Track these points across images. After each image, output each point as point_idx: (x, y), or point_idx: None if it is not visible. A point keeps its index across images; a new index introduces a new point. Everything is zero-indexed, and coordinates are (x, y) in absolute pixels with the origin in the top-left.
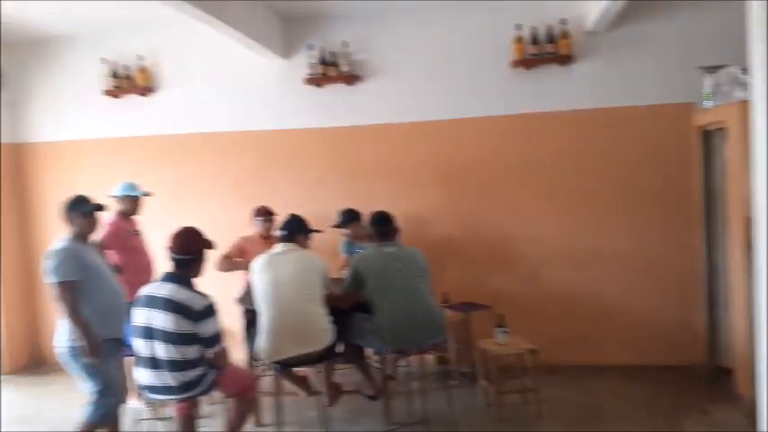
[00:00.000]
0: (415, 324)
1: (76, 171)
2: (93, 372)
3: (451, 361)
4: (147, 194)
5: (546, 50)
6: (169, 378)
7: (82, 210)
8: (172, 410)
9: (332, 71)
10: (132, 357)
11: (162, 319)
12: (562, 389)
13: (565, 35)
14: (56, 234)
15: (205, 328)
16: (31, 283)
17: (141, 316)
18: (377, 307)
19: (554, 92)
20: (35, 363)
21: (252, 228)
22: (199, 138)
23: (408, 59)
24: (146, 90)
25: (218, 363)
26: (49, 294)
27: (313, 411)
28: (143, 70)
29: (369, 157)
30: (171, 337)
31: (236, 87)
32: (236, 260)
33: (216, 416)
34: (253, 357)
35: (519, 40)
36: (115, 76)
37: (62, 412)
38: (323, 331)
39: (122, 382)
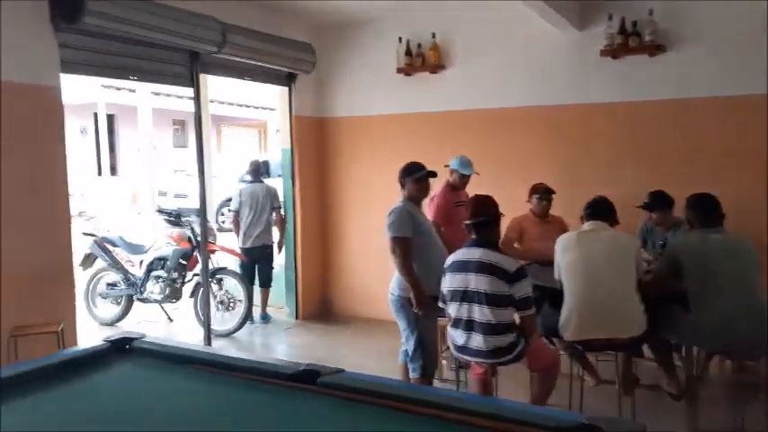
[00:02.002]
0: (740, 322)
1: (369, 144)
2: (414, 324)
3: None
4: (476, 173)
5: None
6: (482, 341)
7: (415, 175)
8: (471, 374)
9: (633, 41)
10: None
11: (479, 281)
12: None
13: None
14: (348, 197)
15: (518, 290)
16: (324, 240)
17: (457, 280)
18: (697, 300)
19: None
20: (324, 312)
21: (527, 206)
22: (484, 113)
23: (720, 30)
24: (436, 67)
25: (528, 326)
26: (338, 250)
27: (600, 400)
28: (434, 48)
29: (672, 136)
30: (488, 299)
31: (525, 61)
32: (516, 247)
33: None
34: (546, 335)
35: None
36: (409, 54)
37: (355, 359)
38: (636, 317)
39: (435, 340)
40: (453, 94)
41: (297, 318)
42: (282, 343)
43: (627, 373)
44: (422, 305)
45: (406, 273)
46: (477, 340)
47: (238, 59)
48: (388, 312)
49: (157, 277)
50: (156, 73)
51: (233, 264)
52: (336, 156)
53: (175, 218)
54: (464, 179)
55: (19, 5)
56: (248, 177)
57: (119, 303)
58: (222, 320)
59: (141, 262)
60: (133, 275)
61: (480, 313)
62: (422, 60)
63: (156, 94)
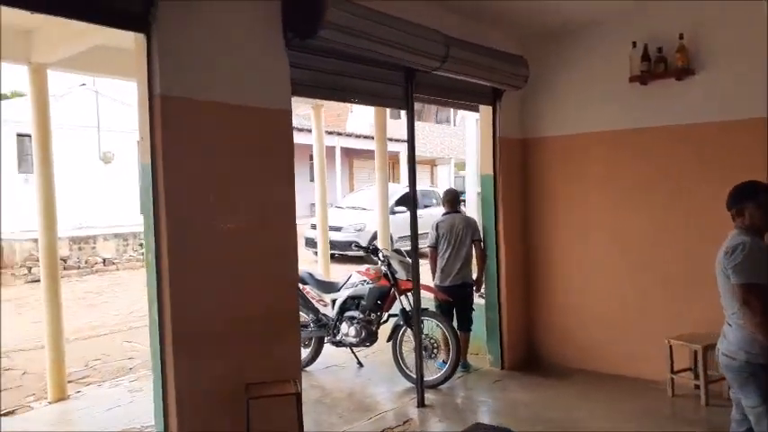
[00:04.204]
0: None
1: (586, 165)
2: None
3: None
4: None
5: None
6: None
7: (761, 198)
8: None
9: None
10: None
11: None
12: None
13: None
14: (559, 228)
15: None
16: (530, 277)
17: None
18: None
19: None
20: (531, 361)
21: None
22: (741, 125)
23: None
24: (682, 73)
25: None
26: (546, 288)
27: None
28: (681, 50)
29: None
30: None
31: None
32: None
33: None
34: None
35: None
36: (647, 59)
37: (599, 423)
38: None
39: None
40: (707, 103)
41: (502, 367)
42: (499, 399)
43: None
44: None
45: (766, 332)
46: None
47: (453, 76)
48: (613, 365)
49: (352, 318)
50: (374, 95)
51: (427, 304)
52: (543, 180)
53: (372, 253)
54: None
55: (254, 22)
56: (445, 208)
57: (307, 346)
58: (425, 369)
59: (334, 301)
60: (325, 315)
61: None
62: (664, 66)
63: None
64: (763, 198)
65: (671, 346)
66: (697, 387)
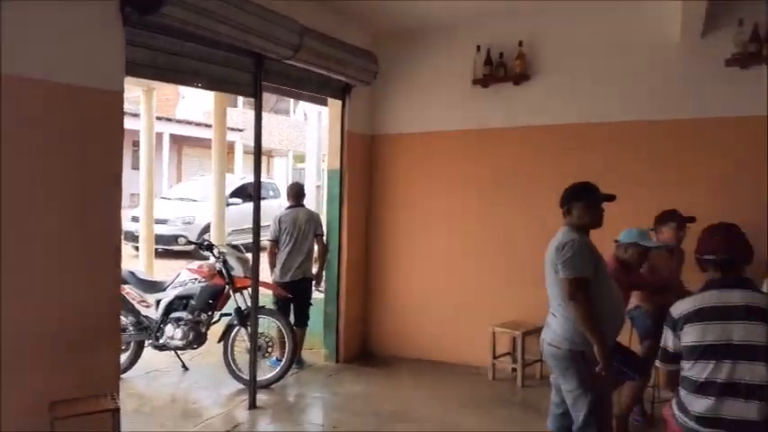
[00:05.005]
0: None
1: (429, 163)
2: (587, 385)
3: None
4: (659, 247)
5: None
6: (754, 411)
7: (589, 200)
8: None
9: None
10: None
11: (751, 332)
12: None
13: None
14: (401, 223)
15: None
16: (369, 271)
17: (711, 332)
18: None
19: None
20: (365, 353)
21: (656, 236)
22: (573, 128)
23: None
24: (520, 78)
25: None
26: (384, 282)
27: None
28: (520, 56)
29: None
30: (762, 354)
31: (627, 71)
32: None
33: None
34: None
35: None
36: (489, 63)
37: (435, 412)
38: None
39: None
40: (539, 107)
41: (337, 361)
42: (334, 394)
43: None
44: (607, 363)
45: (588, 323)
46: (744, 408)
47: (304, 67)
48: (443, 353)
49: (178, 320)
50: (219, 80)
51: (264, 301)
52: (389, 177)
53: (207, 248)
54: (642, 256)
55: None
56: (289, 202)
57: (125, 350)
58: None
59: (158, 302)
60: (147, 318)
61: (752, 373)
62: (504, 70)
63: None
64: (591, 199)
65: (494, 333)
66: (514, 370)
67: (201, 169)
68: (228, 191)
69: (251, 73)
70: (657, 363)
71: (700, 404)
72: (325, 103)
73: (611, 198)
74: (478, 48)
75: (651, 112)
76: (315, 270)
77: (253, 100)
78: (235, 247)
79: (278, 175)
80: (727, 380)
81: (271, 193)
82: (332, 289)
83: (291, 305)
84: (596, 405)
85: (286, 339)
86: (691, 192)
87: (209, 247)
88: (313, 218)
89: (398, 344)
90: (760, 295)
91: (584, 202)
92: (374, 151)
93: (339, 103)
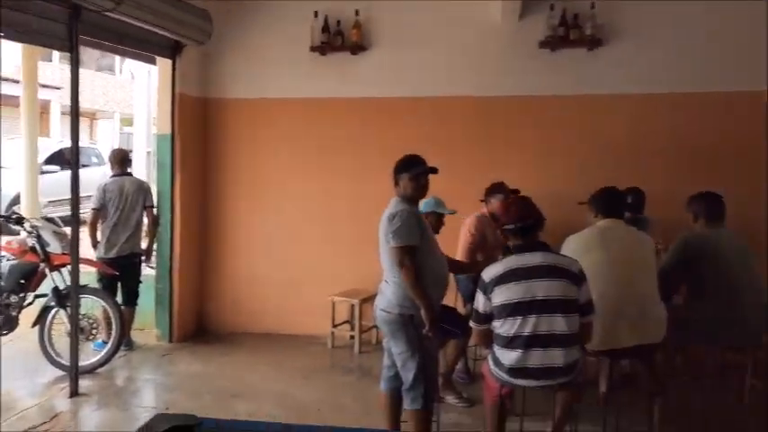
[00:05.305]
0: (751, 316)
1: (269, 131)
2: (415, 347)
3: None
4: (453, 213)
5: None
6: (558, 356)
7: (413, 171)
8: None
9: (574, 34)
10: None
11: (550, 288)
12: None
13: None
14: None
15: (584, 293)
16: (205, 245)
17: (517, 290)
18: (711, 296)
19: None
20: (202, 330)
21: (482, 207)
22: (410, 102)
23: (656, 26)
24: (357, 48)
25: (587, 334)
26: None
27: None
28: (357, 26)
29: (607, 130)
30: (560, 307)
31: (457, 48)
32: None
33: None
34: None
35: None
36: (326, 31)
37: (274, 386)
38: (664, 320)
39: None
40: (376, 79)
41: (171, 341)
42: (168, 375)
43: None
44: (434, 326)
45: (417, 288)
46: (552, 355)
47: (127, 21)
48: (283, 325)
49: None
50: (27, 31)
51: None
52: (227, 144)
53: (16, 222)
54: (439, 221)
55: None
56: (113, 170)
57: None
58: (80, 353)
59: None
60: None
61: (551, 324)
62: (341, 39)
63: None
64: (417, 171)
65: (333, 303)
66: (352, 338)
67: (10, 132)
68: (43, 157)
69: (65, 24)
70: (471, 323)
71: (510, 357)
72: (154, 62)
73: (434, 170)
74: (316, 14)
75: (476, 88)
76: (144, 245)
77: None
78: (50, 220)
79: (103, 140)
80: (532, 332)
81: (94, 159)
82: (164, 265)
83: (119, 283)
84: (424, 365)
85: (112, 320)
86: (513, 165)
87: (19, 221)
88: (142, 188)
89: (238, 320)
90: (556, 256)
91: (410, 174)
92: (210, 116)
93: (169, 62)
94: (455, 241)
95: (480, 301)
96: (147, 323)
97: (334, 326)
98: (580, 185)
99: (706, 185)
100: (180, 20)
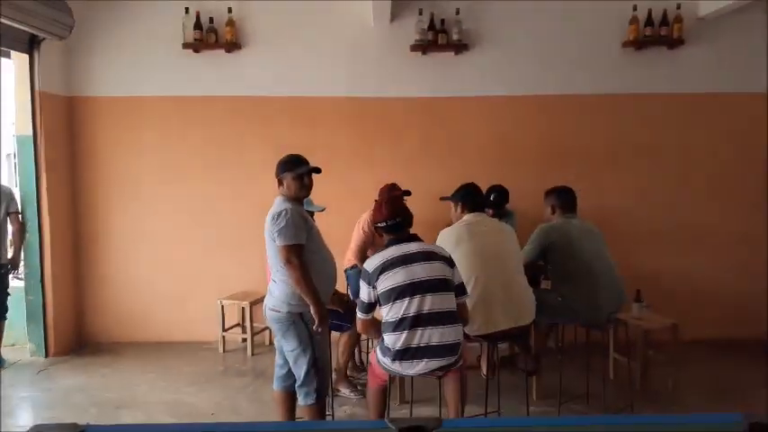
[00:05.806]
0: (607, 296)
1: (141, 131)
2: (307, 343)
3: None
4: (322, 210)
5: None
6: (443, 334)
7: (297, 171)
8: (373, 382)
9: (442, 39)
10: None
11: (428, 269)
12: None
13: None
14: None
15: (456, 276)
16: (78, 253)
17: (400, 275)
18: (571, 279)
19: None
20: (80, 343)
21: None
22: (287, 101)
23: (518, 32)
24: (232, 46)
25: (464, 314)
26: (97, 264)
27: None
28: (230, 24)
29: (476, 130)
30: (441, 285)
31: (333, 49)
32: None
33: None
34: None
35: None
36: (199, 28)
37: (165, 395)
38: (533, 304)
39: (329, 359)
40: (253, 78)
41: (47, 355)
42: (46, 391)
43: (491, 357)
44: (323, 322)
45: (306, 286)
46: (433, 334)
47: None
48: (169, 333)
49: None
50: None
51: None
52: (97, 144)
53: None
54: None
55: None
56: None
57: None
58: None
59: None
60: None
61: (434, 303)
62: (215, 37)
63: None
64: (300, 171)
65: (222, 306)
66: (244, 340)
67: None
68: None
69: None
70: (358, 313)
71: (397, 340)
72: (8, 56)
73: (317, 170)
74: (187, 9)
75: (350, 89)
76: (10, 254)
77: None
78: None
79: None
80: (417, 312)
81: None
82: (34, 275)
83: None
84: (316, 361)
85: None
86: (387, 164)
87: None
88: (5, 192)
89: (123, 329)
90: (428, 244)
91: (294, 174)
92: (77, 115)
93: (27, 57)
94: (346, 238)
95: (365, 291)
96: (20, 338)
97: (225, 330)
98: (450, 182)
99: (563, 180)
100: (34, 12)
